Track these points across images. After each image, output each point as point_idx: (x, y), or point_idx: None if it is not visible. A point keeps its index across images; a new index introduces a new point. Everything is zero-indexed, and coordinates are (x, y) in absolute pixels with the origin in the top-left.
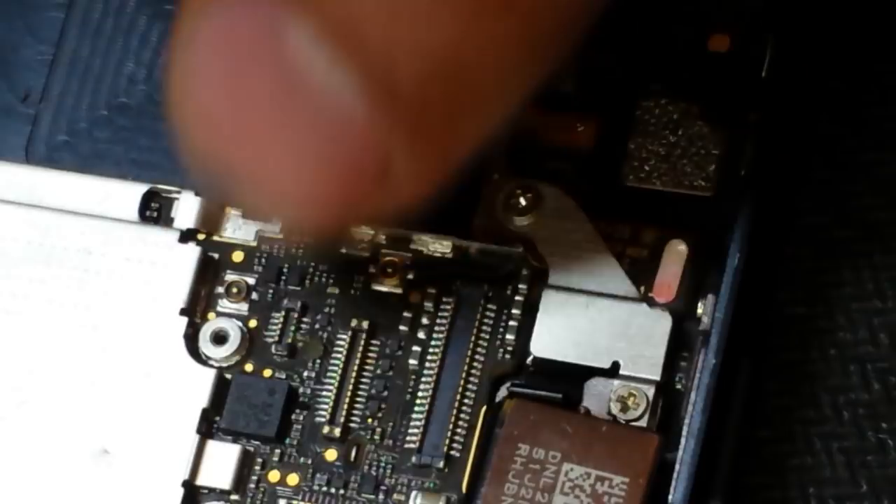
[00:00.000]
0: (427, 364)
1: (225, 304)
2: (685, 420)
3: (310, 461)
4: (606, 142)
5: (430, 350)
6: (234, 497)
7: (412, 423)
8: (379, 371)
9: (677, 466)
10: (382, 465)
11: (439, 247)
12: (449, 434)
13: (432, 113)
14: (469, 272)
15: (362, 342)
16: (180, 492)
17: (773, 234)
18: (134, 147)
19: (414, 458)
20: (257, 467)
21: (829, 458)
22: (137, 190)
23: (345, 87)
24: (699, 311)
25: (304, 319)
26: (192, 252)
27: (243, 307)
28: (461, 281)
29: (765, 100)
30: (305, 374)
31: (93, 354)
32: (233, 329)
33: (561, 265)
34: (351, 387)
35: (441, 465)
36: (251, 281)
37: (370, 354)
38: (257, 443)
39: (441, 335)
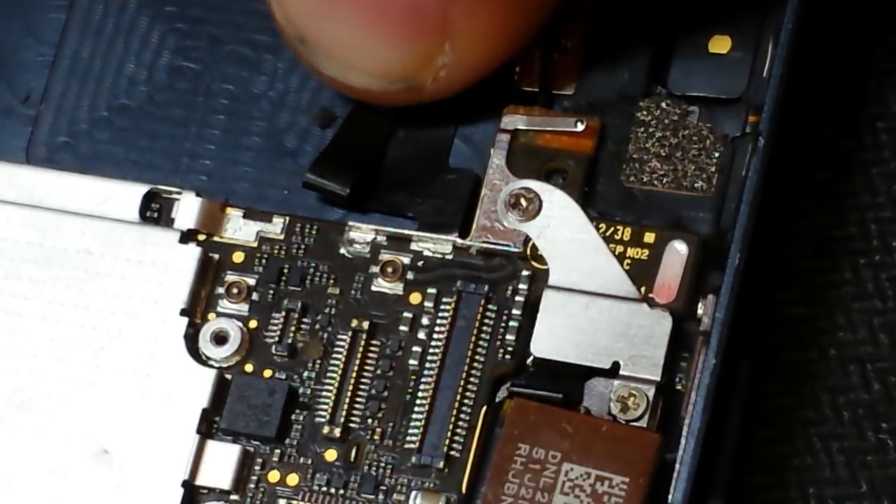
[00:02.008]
0: (427, 364)
1: (225, 305)
2: (685, 420)
3: (310, 461)
4: (606, 142)
5: (430, 350)
6: (233, 497)
7: (412, 424)
8: (379, 371)
9: (677, 466)
10: (382, 465)
11: (439, 247)
12: (449, 434)
13: None
14: (469, 272)
15: (362, 342)
16: (180, 492)
17: (773, 234)
18: (134, 148)
19: (414, 459)
20: (257, 467)
21: (829, 458)
22: (138, 191)
23: None
24: (699, 311)
25: (305, 320)
26: (192, 252)
27: (244, 308)
28: (461, 281)
29: (765, 100)
30: (305, 374)
31: (93, 355)
32: (233, 329)
33: (561, 265)
34: (351, 387)
35: (441, 465)
36: (251, 281)
37: (370, 355)
38: (257, 443)
39: (441, 335)
